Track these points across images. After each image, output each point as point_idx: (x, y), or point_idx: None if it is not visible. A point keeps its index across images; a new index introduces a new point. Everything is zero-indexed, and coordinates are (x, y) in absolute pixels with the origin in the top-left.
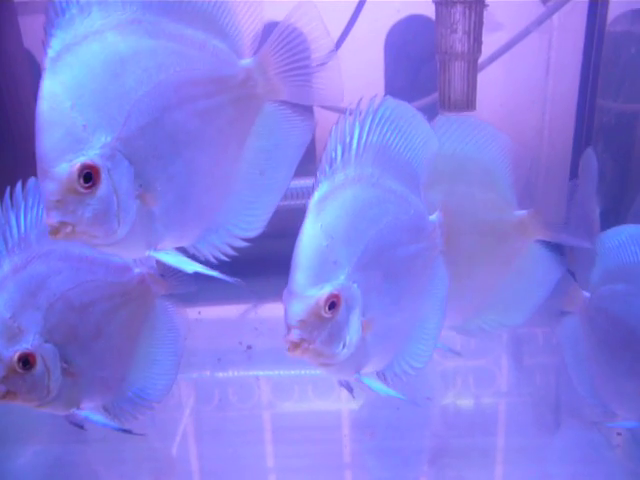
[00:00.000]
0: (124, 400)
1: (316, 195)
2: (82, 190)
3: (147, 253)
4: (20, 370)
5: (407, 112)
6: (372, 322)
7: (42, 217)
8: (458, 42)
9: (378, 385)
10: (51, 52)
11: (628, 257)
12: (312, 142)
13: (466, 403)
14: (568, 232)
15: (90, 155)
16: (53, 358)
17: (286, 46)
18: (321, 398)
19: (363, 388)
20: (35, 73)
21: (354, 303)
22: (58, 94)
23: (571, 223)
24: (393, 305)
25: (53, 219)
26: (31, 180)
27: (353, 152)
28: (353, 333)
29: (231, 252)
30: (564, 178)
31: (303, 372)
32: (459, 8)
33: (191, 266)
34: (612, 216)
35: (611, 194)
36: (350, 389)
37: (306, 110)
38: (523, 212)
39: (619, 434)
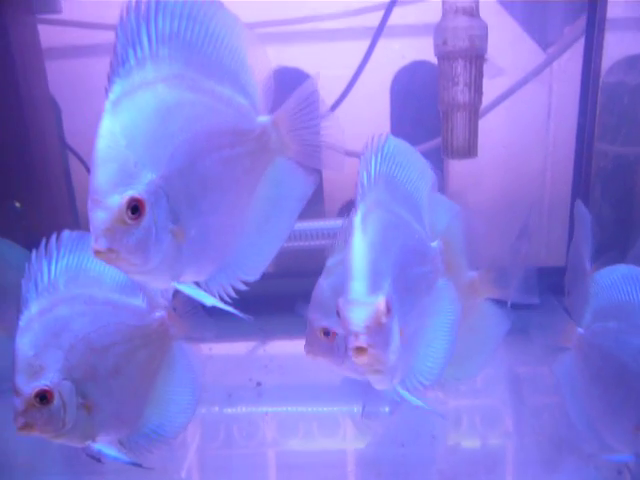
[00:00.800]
0: (140, 435)
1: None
2: (129, 220)
3: (171, 284)
4: (38, 404)
5: (406, 148)
6: (403, 332)
7: (71, 265)
8: (460, 94)
9: (412, 397)
10: (112, 96)
11: (620, 296)
12: (320, 184)
13: (471, 442)
14: (516, 290)
15: (138, 189)
16: (70, 394)
17: (299, 112)
18: (327, 436)
19: (369, 426)
20: (58, 118)
21: (394, 312)
22: (115, 133)
23: (519, 280)
24: (411, 318)
25: (101, 246)
26: (65, 232)
27: (372, 183)
28: (396, 339)
29: (232, 293)
30: (566, 219)
31: (311, 409)
32: (460, 62)
33: (209, 300)
34: (611, 259)
35: (610, 237)
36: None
37: (308, 167)
38: (474, 273)
39: (620, 473)
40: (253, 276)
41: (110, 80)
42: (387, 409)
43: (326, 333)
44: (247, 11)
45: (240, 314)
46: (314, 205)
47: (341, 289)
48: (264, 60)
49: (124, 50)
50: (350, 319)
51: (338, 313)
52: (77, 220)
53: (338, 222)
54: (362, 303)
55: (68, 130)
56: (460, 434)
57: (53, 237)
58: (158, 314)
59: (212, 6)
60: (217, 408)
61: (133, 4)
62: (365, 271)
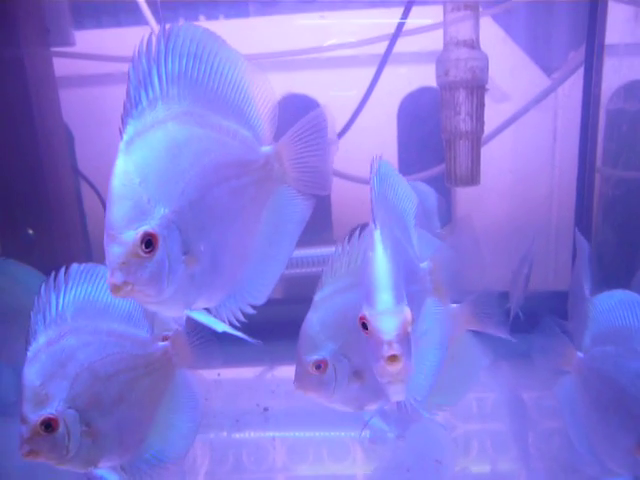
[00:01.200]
0: (142, 461)
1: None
2: (143, 254)
3: (184, 312)
4: (43, 432)
5: (394, 171)
6: None
7: (78, 297)
8: (462, 122)
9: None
10: (126, 137)
11: (618, 320)
12: (329, 211)
13: (475, 467)
14: (493, 323)
15: (152, 225)
16: (74, 422)
17: (299, 141)
18: (335, 461)
19: (375, 450)
20: (71, 145)
21: None
22: (130, 172)
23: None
24: None
25: (118, 279)
26: (73, 266)
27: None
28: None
29: (242, 318)
30: (573, 244)
31: (318, 434)
32: (462, 92)
33: (220, 326)
34: (614, 285)
35: (614, 262)
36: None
37: (308, 196)
38: (456, 305)
39: None
40: (260, 300)
41: (124, 121)
42: (393, 434)
43: (318, 366)
44: (259, 41)
45: (250, 339)
46: (323, 232)
47: (362, 302)
48: (268, 90)
49: (136, 92)
50: (383, 329)
51: (364, 325)
52: (89, 246)
53: None
54: (392, 312)
55: (80, 157)
56: (464, 458)
57: (62, 270)
58: (161, 343)
59: (216, 43)
60: (225, 433)
61: (144, 47)
62: (390, 283)
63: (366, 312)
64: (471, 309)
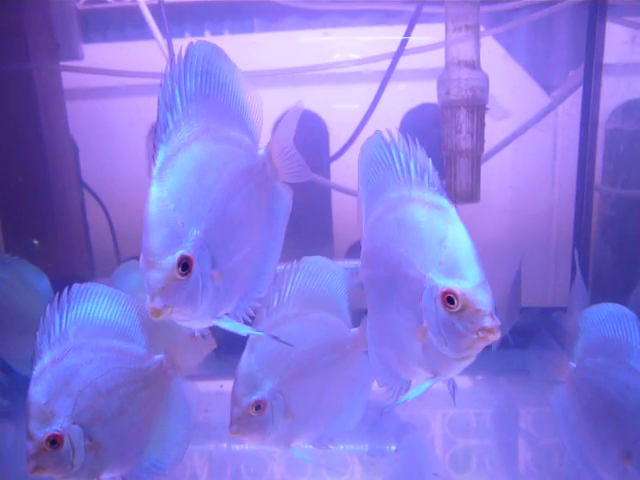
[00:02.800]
0: (141, 470)
1: None
2: (180, 277)
3: (212, 322)
4: (49, 449)
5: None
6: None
7: (80, 316)
8: (462, 141)
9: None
10: (158, 163)
11: (607, 333)
12: (330, 226)
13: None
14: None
15: (187, 248)
16: (78, 437)
17: (281, 140)
18: (334, 475)
19: (374, 464)
20: (76, 157)
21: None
22: (164, 198)
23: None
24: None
25: (158, 304)
26: (74, 286)
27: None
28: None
29: (252, 313)
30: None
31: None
32: (463, 111)
33: (245, 330)
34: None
35: (611, 281)
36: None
37: (286, 184)
38: (355, 329)
39: None
40: (262, 294)
41: (155, 147)
42: (393, 448)
43: (257, 407)
44: (263, 56)
45: (280, 340)
46: (324, 246)
47: (430, 277)
48: (257, 97)
49: (164, 116)
50: (482, 301)
51: (450, 300)
52: (91, 257)
53: (346, 262)
54: (486, 285)
55: (84, 169)
56: (462, 473)
57: (65, 290)
58: (157, 357)
59: (220, 58)
60: (225, 445)
61: (169, 70)
62: (477, 256)
63: (455, 287)
64: (364, 331)
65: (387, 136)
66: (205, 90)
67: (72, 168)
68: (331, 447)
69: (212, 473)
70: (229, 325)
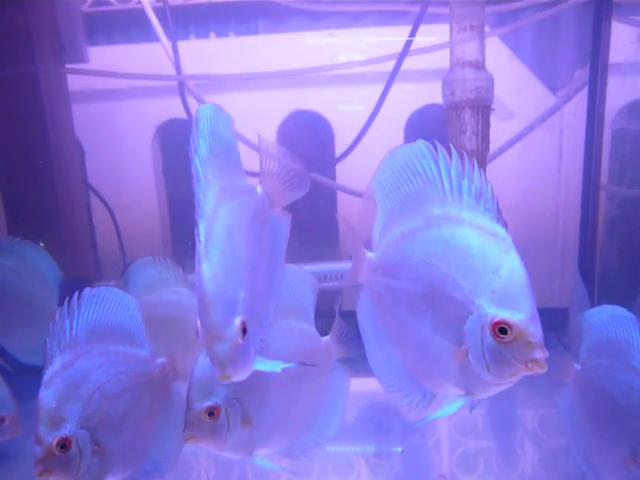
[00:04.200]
0: (142, 473)
1: None
2: (241, 342)
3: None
4: (57, 452)
5: None
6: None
7: (89, 320)
8: (467, 141)
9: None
10: (202, 239)
11: (609, 334)
12: (335, 227)
13: None
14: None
15: (244, 314)
16: (85, 441)
17: (271, 172)
18: (341, 476)
19: (381, 465)
20: (81, 159)
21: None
22: (216, 274)
23: None
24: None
25: (230, 372)
26: (85, 290)
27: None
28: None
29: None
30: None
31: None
32: (468, 111)
33: (280, 366)
34: (618, 302)
35: (617, 281)
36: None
37: (284, 210)
38: (327, 337)
39: None
40: (271, 315)
41: (196, 223)
42: (399, 449)
43: (210, 413)
44: (268, 58)
45: (305, 364)
46: (330, 248)
47: (484, 306)
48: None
49: (202, 193)
50: (536, 333)
51: (502, 330)
52: (97, 258)
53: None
54: (537, 318)
55: (90, 170)
56: (469, 474)
57: (75, 296)
58: (159, 360)
59: (222, 118)
60: None
61: (191, 143)
62: (530, 288)
63: (509, 318)
64: (338, 336)
65: (432, 149)
66: (217, 150)
67: (78, 170)
68: (304, 458)
69: (218, 475)
70: (265, 366)
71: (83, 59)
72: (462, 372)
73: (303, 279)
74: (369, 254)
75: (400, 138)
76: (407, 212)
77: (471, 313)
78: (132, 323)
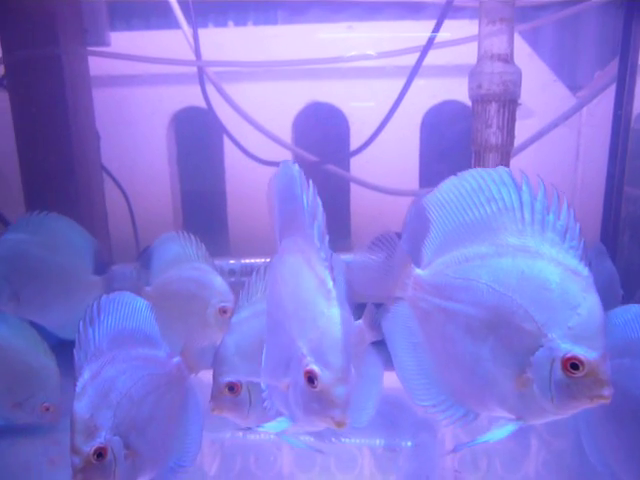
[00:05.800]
0: (167, 471)
1: None
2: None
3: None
4: (95, 462)
5: None
6: None
7: (110, 327)
8: (492, 136)
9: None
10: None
11: (633, 333)
12: (348, 219)
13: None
14: None
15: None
16: (119, 447)
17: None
18: (343, 471)
19: (391, 458)
20: (98, 144)
21: None
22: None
23: None
24: None
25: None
26: (103, 297)
27: None
28: None
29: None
30: None
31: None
32: (494, 105)
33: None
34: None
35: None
36: None
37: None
38: (360, 321)
39: None
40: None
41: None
42: (409, 443)
43: (231, 388)
44: (286, 48)
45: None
46: (342, 239)
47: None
48: None
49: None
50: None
51: (574, 366)
52: (110, 243)
53: None
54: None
55: (105, 156)
56: (475, 474)
57: (95, 304)
58: (174, 360)
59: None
60: (241, 434)
61: None
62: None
63: (582, 355)
64: (371, 321)
65: (514, 177)
66: None
67: (97, 154)
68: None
69: (221, 466)
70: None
71: (104, 43)
72: (520, 398)
73: (336, 264)
74: (417, 270)
75: (416, 134)
76: (474, 237)
77: (541, 346)
78: (147, 325)
